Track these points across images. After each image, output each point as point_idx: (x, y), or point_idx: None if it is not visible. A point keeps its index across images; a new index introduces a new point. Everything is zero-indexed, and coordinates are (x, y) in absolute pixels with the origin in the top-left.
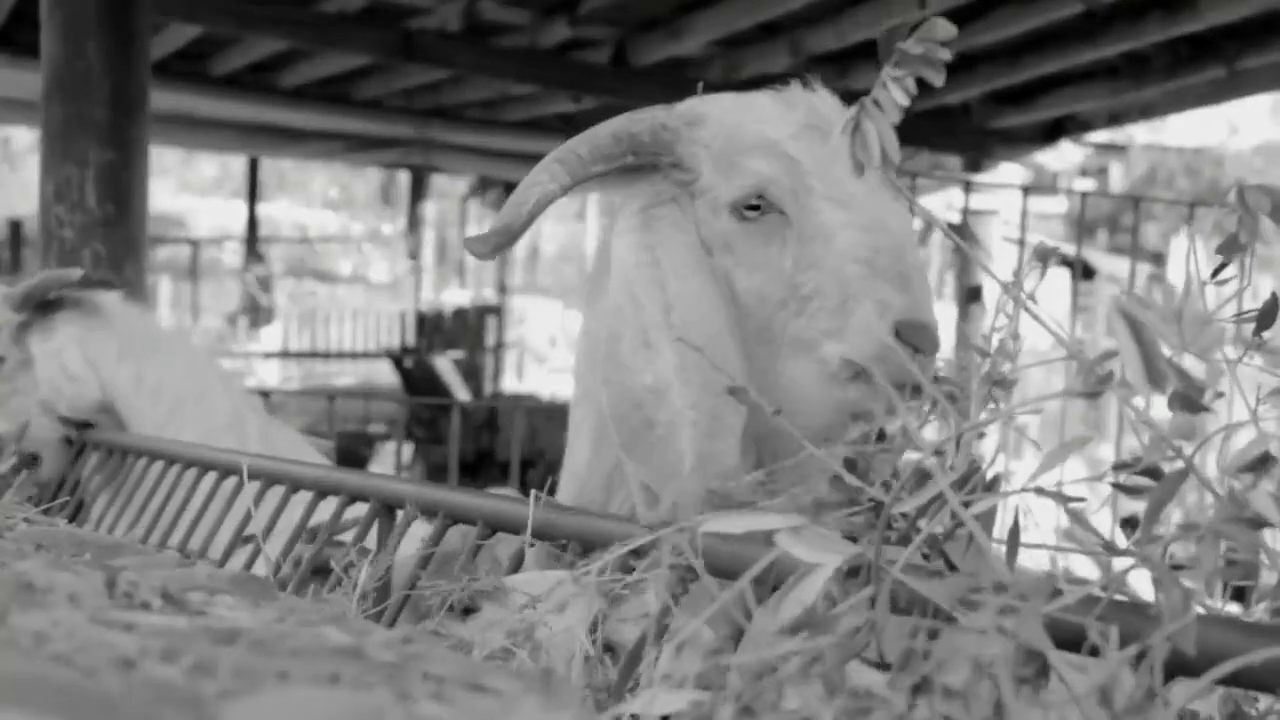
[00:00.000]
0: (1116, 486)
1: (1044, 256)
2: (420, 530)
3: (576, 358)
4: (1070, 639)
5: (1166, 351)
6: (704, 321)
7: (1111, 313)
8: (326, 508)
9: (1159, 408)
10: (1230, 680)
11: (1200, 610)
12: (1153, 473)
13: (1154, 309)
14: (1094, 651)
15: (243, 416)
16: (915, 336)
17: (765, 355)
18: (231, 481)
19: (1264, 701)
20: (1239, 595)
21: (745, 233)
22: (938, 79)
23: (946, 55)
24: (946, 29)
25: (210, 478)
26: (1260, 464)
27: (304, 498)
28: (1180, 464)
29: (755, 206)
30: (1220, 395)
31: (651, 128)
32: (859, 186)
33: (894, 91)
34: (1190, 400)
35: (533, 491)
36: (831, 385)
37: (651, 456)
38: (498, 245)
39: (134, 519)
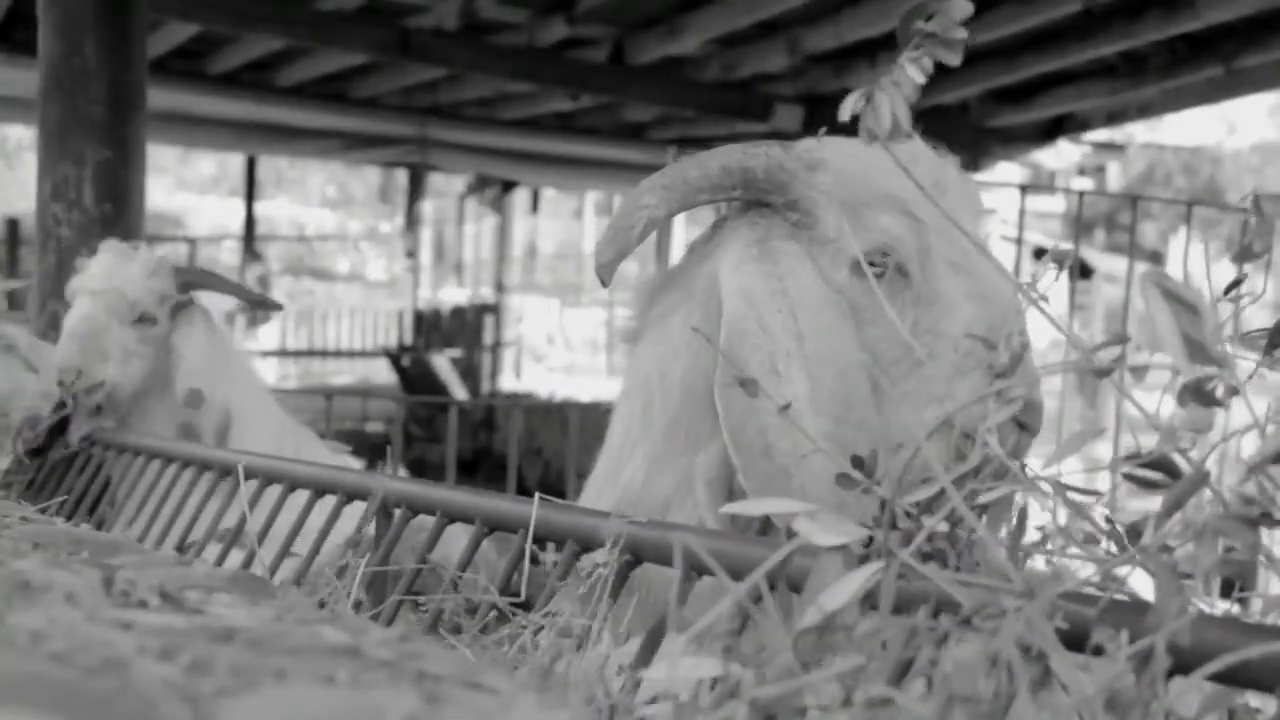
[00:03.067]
0: (1128, 477)
1: (1060, 260)
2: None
3: (633, 378)
4: (1072, 637)
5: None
6: (837, 352)
7: (1144, 284)
8: (324, 507)
9: (1156, 401)
10: (1229, 679)
11: (1199, 609)
12: (1162, 465)
13: (1178, 285)
14: (1096, 650)
15: (284, 431)
16: (1026, 414)
17: None
18: (230, 481)
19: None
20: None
21: (865, 289)
22: (954, 59)
23: (963, 35)
24: (964, 8)
25: (208, 477)
26: None
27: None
28: (1191, 457)
29: (877, 263)
30: (1236, 393)
31: (767, 166)
32: (973, 249)
33: (911, 71)
34: (1203, 394)
35: (537, 495)
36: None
37: (770, 484)
38: (614, 271)
39: (131, 517)
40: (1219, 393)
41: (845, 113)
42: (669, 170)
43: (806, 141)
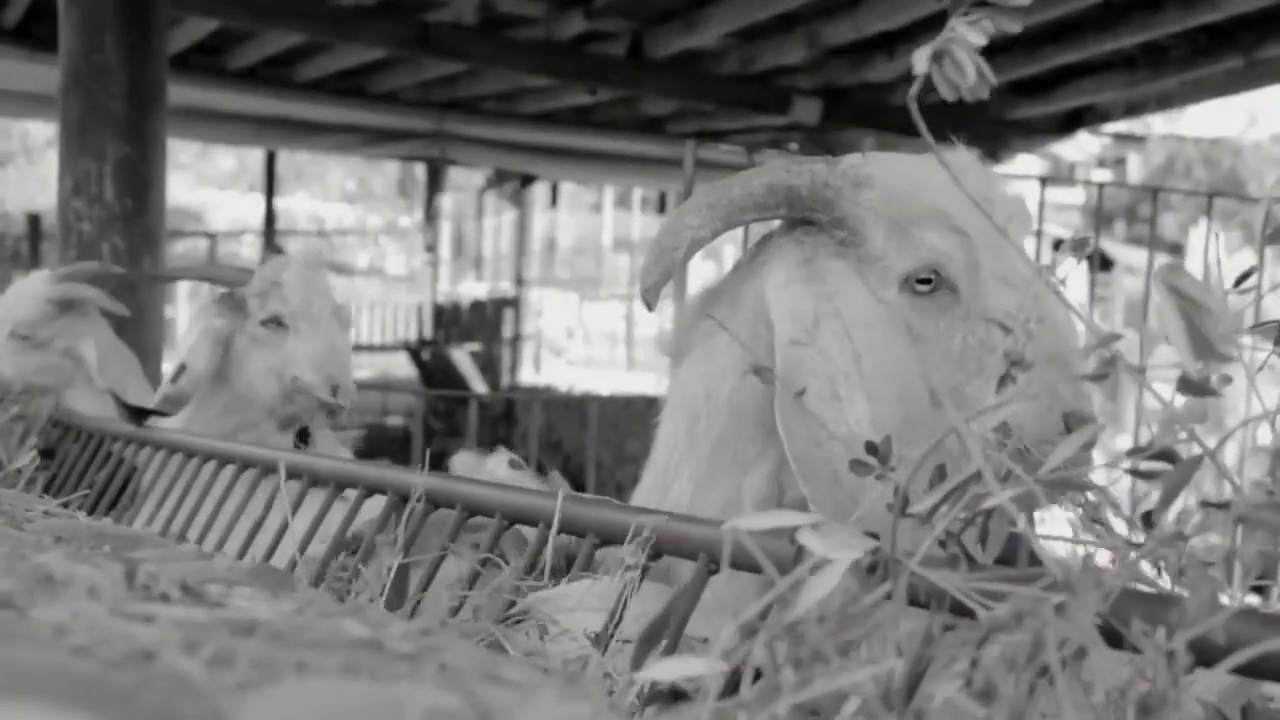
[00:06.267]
0: (1132, 473)
1: (1078, 248)
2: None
3: (678, 395)
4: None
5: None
6: (894, 369)
7: (1157, 281)
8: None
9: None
10: (1251, 671)
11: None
12: (1167, 456)
13: (1189, 282)
14: (1115, 643)
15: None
16: (1076, 425)
17: None
18: (250, 476)
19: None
20: (1257, 590)
21: (915, 306)
22: (1015, 26)
23: (1025, 0)
24: None
25: (229, 471)
26: None
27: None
28: (1195, 448)
29: (926, 280)
30: (1229, 381)
31: (812, 184)
32: (1021, 262)
33: (969, 34)
34: (1196, 385)
35: (560, 489)
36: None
37: (841, 511)
38: (659, 293)
39: (152, 512)
40: (1214, 383)
41: (918, 66)
42: (712, 189)
43: (851, 158)
